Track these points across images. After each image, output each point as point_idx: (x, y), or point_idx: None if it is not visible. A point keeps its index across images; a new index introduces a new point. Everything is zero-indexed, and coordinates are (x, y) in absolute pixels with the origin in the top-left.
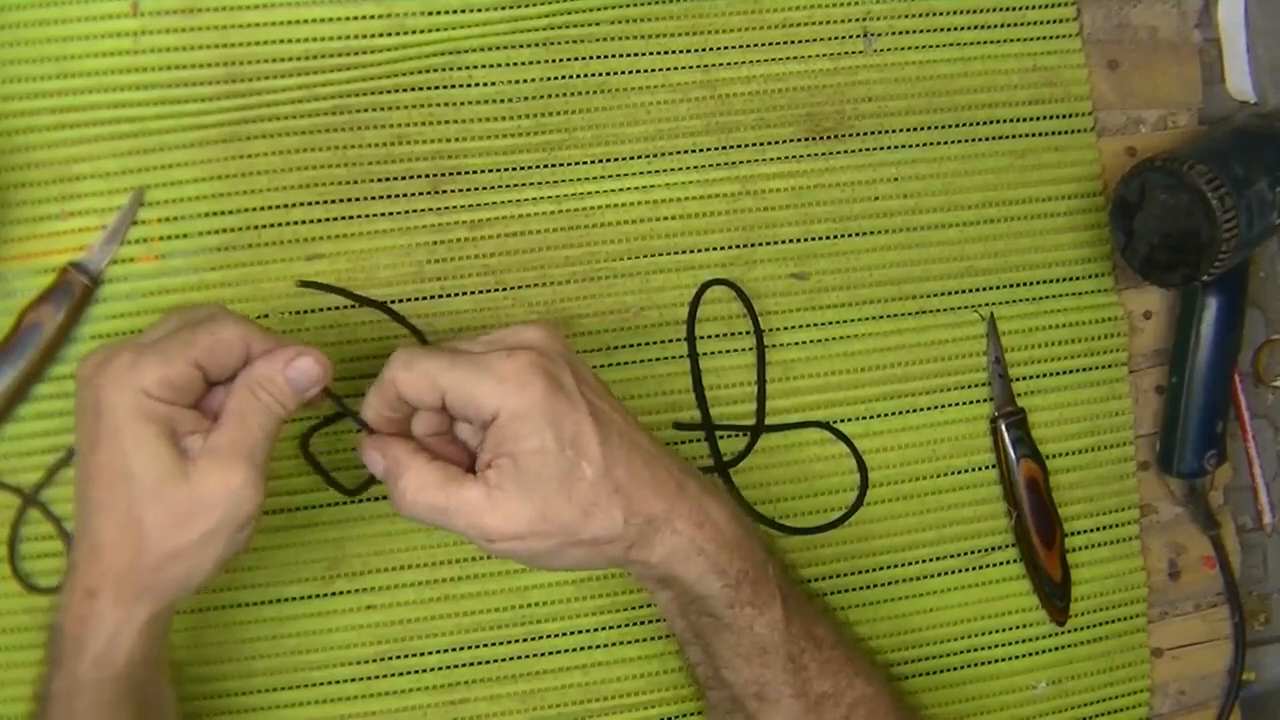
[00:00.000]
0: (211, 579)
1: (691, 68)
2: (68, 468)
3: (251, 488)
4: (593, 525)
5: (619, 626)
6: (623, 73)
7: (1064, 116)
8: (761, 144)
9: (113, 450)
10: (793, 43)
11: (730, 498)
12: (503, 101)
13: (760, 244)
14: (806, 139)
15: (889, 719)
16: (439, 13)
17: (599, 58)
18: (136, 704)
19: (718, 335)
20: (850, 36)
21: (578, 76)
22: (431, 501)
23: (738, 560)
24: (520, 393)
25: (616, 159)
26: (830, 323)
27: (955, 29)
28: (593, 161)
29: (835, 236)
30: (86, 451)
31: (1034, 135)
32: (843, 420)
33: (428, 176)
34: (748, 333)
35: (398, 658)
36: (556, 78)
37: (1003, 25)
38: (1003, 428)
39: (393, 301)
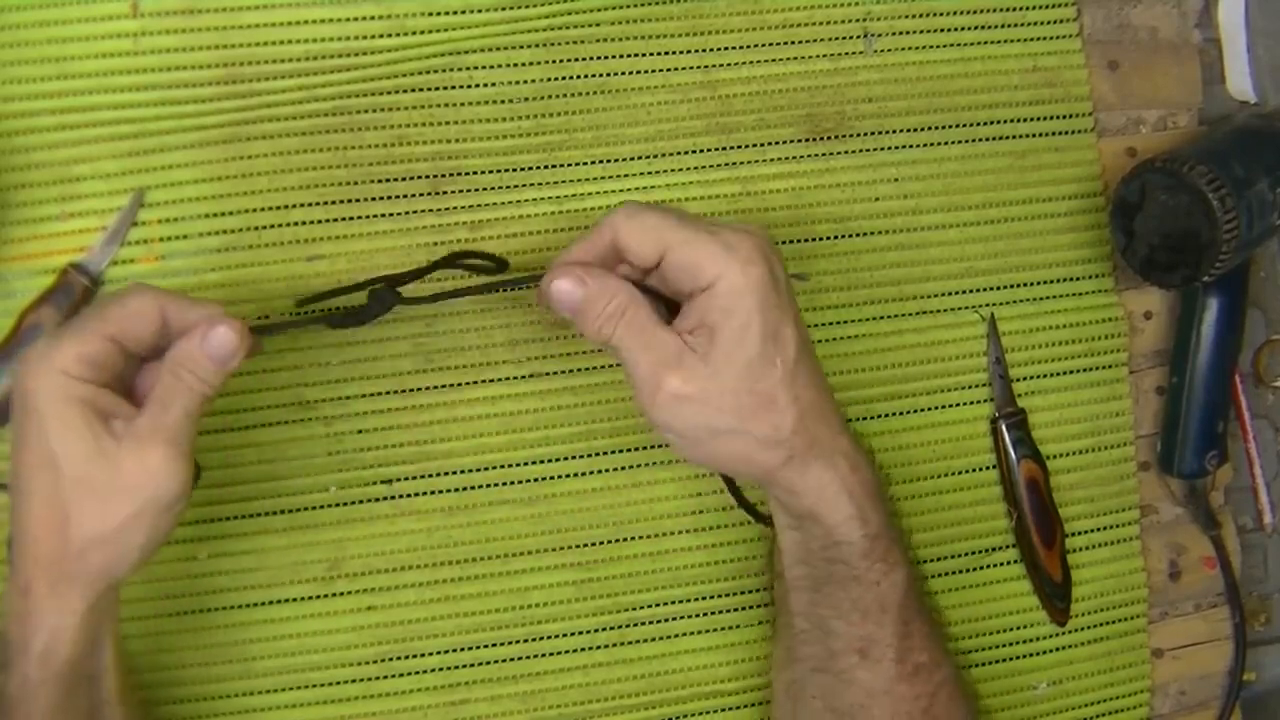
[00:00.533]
0: (139, 565)
1: (692, 68)
2: None
3: (172, 470)
4: (765, 419)
5: (619, 627)
6: (623, 73)
7: (1064, 117)
8: (762, 144)
9: (39, 436)
10: (793, 43)
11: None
12: (503, 102)
13: None
14: (807, 139)
15: (964, 705)
16: (439, 13)
17: (599, 58)
18: (89, 701)
19: None
20: (850, 37)
21: (578, 77)
22: (629, 330)
23: (878, 514)
24: (745, 269)
25: (617, 159)
26: (830, 323)
27: (955, 29)
28: (593, 162)
29: (835, 237)
30: (18, 446)
31: (1034, 135)
32: None
33: (428, 177)
34: None
35: (398, 658)
36: (557, 78)
37: (1003, 25)
38: (1003, 428)
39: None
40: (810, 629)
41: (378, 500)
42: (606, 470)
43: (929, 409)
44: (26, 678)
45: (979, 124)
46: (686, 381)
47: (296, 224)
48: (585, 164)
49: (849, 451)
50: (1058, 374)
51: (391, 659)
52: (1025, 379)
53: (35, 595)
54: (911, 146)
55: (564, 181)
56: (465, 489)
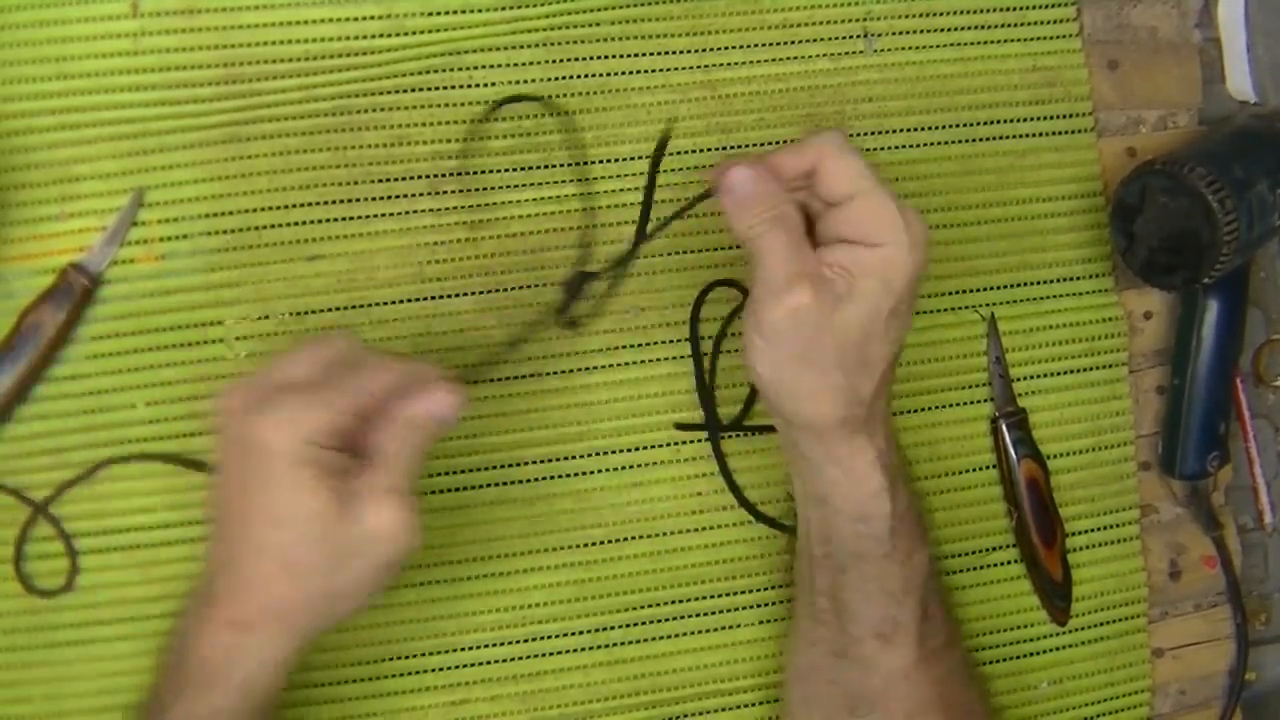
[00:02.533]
0: (360, 612)
1: (692, 68)
2: (78, 484)
3: (410, 526)
4: (854, 377)
5: (619, 627)
6: (623, 73)
7: (1064, 117)
8: (762, 144)
9: (274, 495)
10: (793, 43)
11: None
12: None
13: None
14: None
15: (975, 689)
16: (439, 13)
17: (599, 58)
18: None
19: (718, 335)
20: (850, 37)
21: (578, 77)
22: (782, 234)
23: (905, 492)
24: (913, 249)
25: (617, 159)
26: None
27: (955, 29)
28: (593, 162)
29: None
30: (239, 491)
31: (1034, 135)
32: None
33: (428, 177)
34: None
35: (398, 658)
36: (557, 78)
37: (1003, 25)
38: (1003, 428)
39: (391, 302)
40: (831, 610)
41: None
42: (606, 470)
43: (929, 408)
44: (212, 705)
45: (979, 124)
46: (815, 301)
47: (296, 224)
48: (585, 164)
49: (889, 433)
50: (1058, 374)
51: (391, 659)
52: (1025, 379)
53: (258, 634)
54: (911, 146)
55: (564, 181)
56: (465, 489)
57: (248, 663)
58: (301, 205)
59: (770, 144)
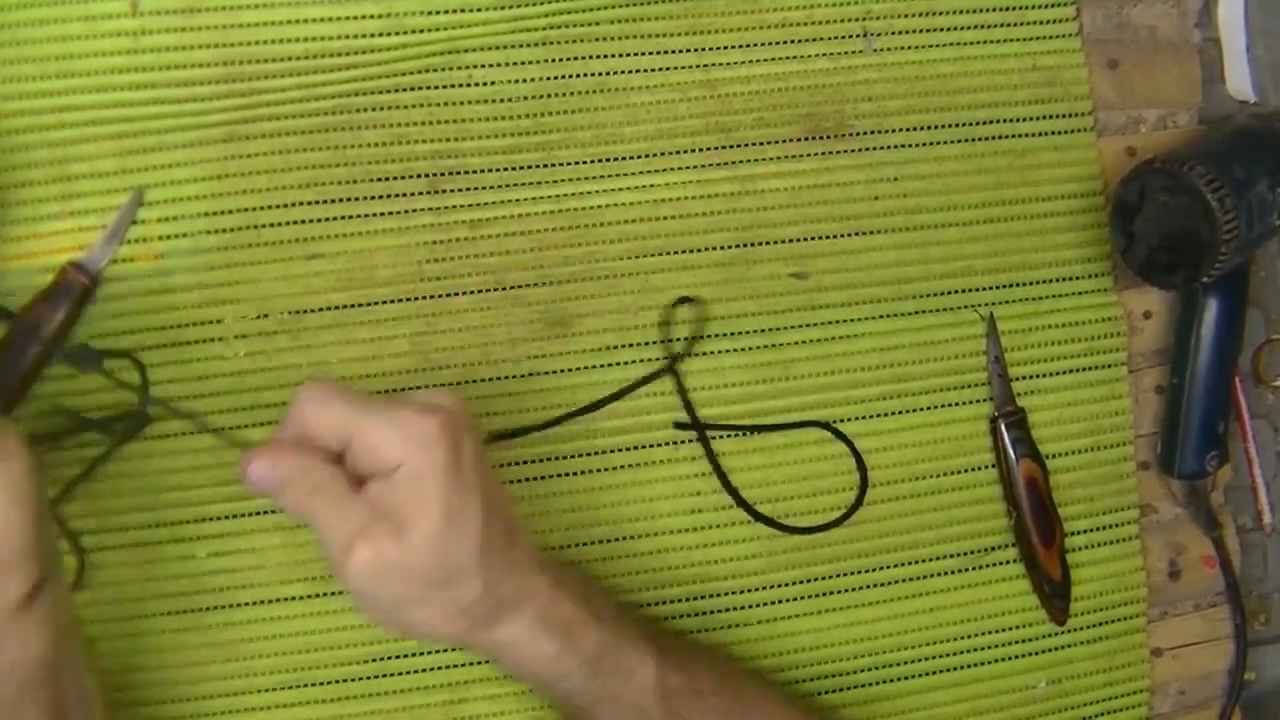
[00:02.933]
0: None
1: (691, 67)
2: (85, 483)
3: None
4: (449, 591)
5: None
6: (622, 72)
7: (1064, 116)
8: (761, 144)
9: (483, 466)
10: (792, 42)
11: (579, 573)
12: (502, 101)
13: (760, 244)
14: (806, 139)
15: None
16: (439, 12)
17: (599, 57)
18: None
19: (716, 335)
20: (850, 36)
21: (577, 76)
22: (325, 502)
23: (593, 633)
24: (425, 450)
25: (616, 159)
26: (830, 322)
27: (955, 29)
28: (592, 161)
29: (835, 236)
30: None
31: (1034, 135)
32: (843, 420)
33: (427, 176)
34: (747, 332)
35: (397, 657)
36: (556, 77)
37: (1003, 25)
38: (1002, 427)
39: (392, 302)
40: None
41: None
42: (606, 470)
43: (928, 408)
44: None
45: (979, 123)
46: (377, 553)
47: (296, 223)
48: (584, 163)
49: (542, 589)
50: (1057, 373)
51: (390, 658)
52: (1024, 378)
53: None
54: (911, 146)
55: (563, 181)
56: None
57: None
58: (301, 204)
59: (769, 143)
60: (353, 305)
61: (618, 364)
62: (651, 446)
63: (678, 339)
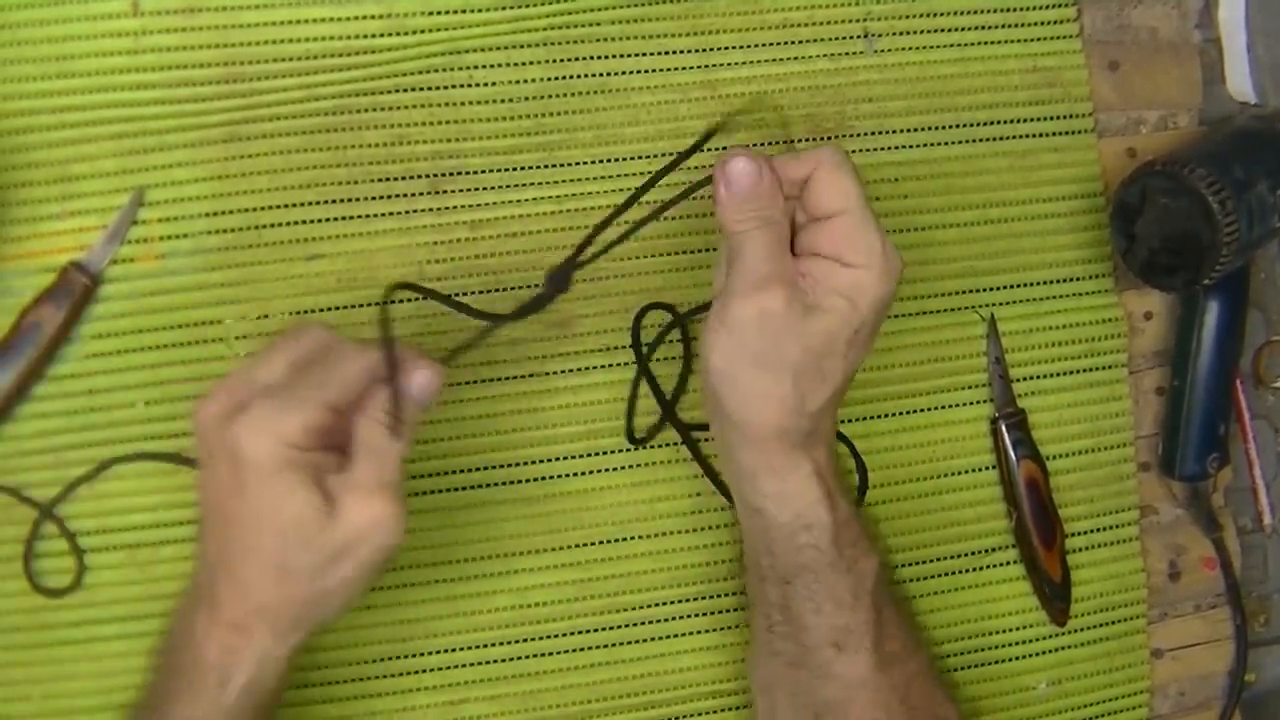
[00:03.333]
0: (353, 607)
1: (692, 68)
2: (84, 483)
3: (397, 518)
4: (804, 388)
5: (619, 627)
6: (623, 73)
7: (1064, 117)
8: (761, 144)
9: (258, 500)
10: (793, 43)
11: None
12: (503, 101)
13: None
14: (806, 139)
15: (939, 692)
16: (439, 12)
17: (599, 58)
18: None
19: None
20: (850, 37)
21: (578, 76)
22: (767, 236)
23: (846, 501)
24: (883, 278)
25: (617, 159)
26: None
27: (955, 29)
28: (593, 161)
29: None
30: (225, 496)
31: (1034, 136)
32: (843, 421)
33: (428, 176)
34: None
35: (397, 658)
36: (557, 78)
37: (1003, 26)
38: (1003, 428)
39: (392, 302)
40: (784, 622)
41: None
42: (606, 470)
43: (929, 409)
44: (219, 705)
45: (979, 124)
46: (786, 305)
47: (296, 223)
48: (585, 163)
49: (830, 453)
50: (1058, 374)
51: (390, 658)
52: (1025, 379)
53: (256, 634)
54: (911, 146)
55: (564, 181)
56: (465, 489)
57: (246, 664)
58: (302, 204)
59: (770, 143)
60: (353, 305)
61: (618, 364)
62: (652, 447)
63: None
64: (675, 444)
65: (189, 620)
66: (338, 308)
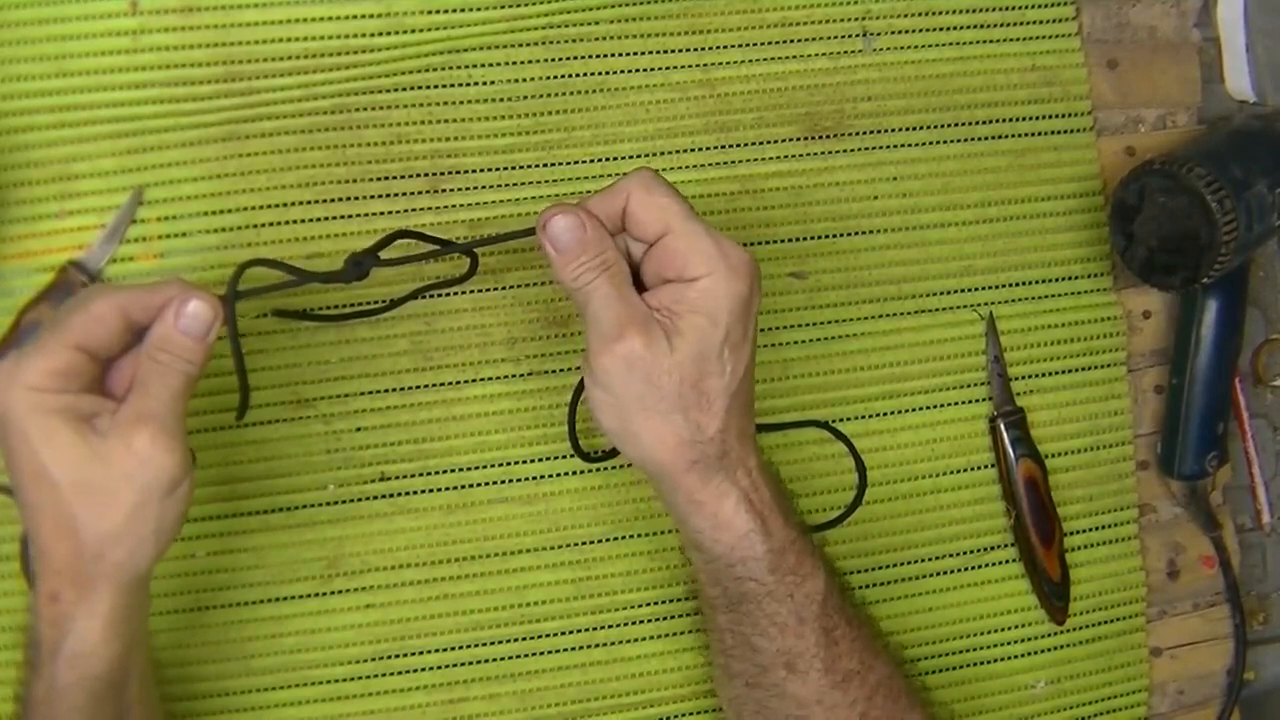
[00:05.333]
0: (159, 554)
1: (690, 67)
2: None
3: (162, 451)
4: (695, 415)
5: (618, 626)
6: (622, 72)
7: (1063, 116)
8: (760, 143)
9: (25, 452)
10: (792, 42)
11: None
12: (502, 101)
13: (759, 243)
14: (805, 138)
15: (904, 701)
16: (438, 12)
17: (598, 57)
18: (116, 705)
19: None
20: (849, 36)
21: (577, 76)
22: (609, 283)
23: (782, 527)
24: (730, 279)
25: (616, 158)
26: (829, 322)
27: (955, 29)
28: (592, 161)
29: (834, 236)
30: (10, 463)
31: (1033, 135)
32: (841, 420)
33: (426, 175)
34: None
35: (396, 656)
36: (556, 77)
37: (1002, 25)
38: (1002, 427)
39: (392, 302)
40: (736, 645)
41: (376, 499)
42: (606, 469)
43: (927, 408)
44: (54, 680)
45: (978, 123)
46: (646, 346)
47: (295, 222)
48: (584, 162)
49: (753, 468)
50: (1056, 373)
51: (390, 657)
52: (1024, 378)
53: (63, 600)
54: (910, 145)
55: (563, 180)
56: (464, 487)
57: (69, 632)
58: (300, 204)
59: (769, 142)
60: (353, 306)
61: None
62: None
63: None
64: None
65: (33, 599)
66: (336, 306)
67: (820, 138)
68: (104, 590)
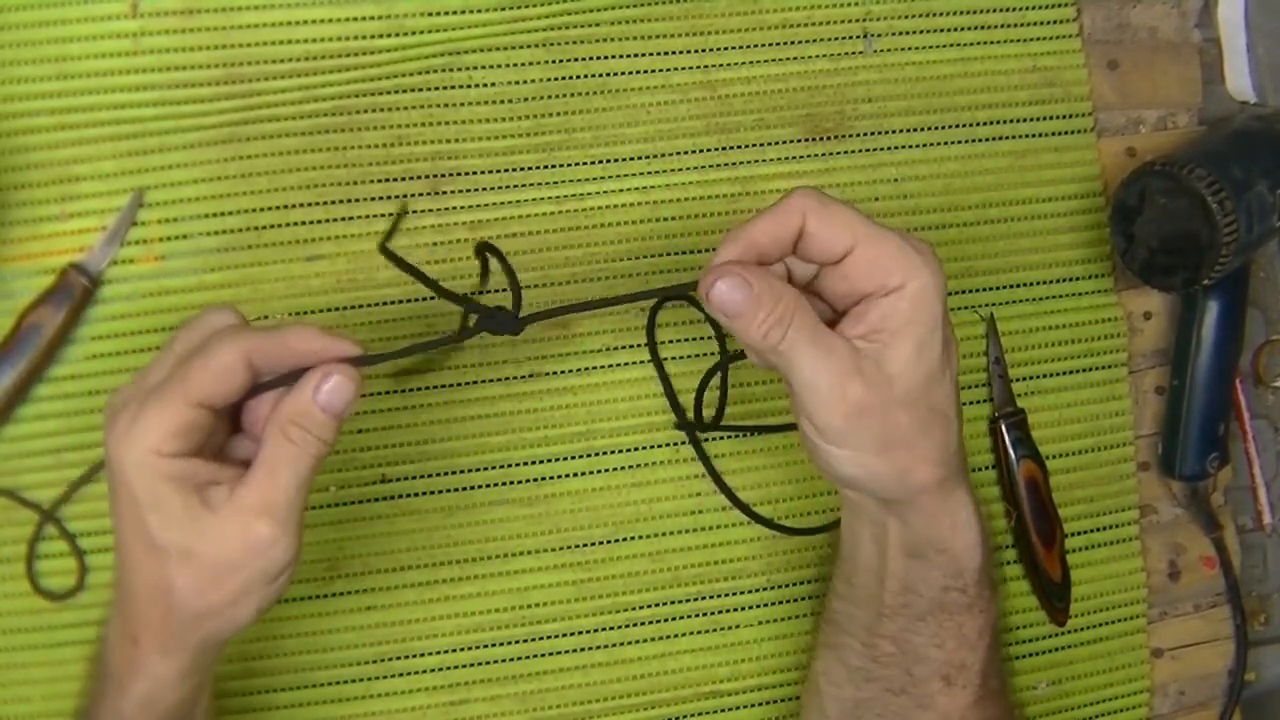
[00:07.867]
0: (250, 625)
1: (691, 68)
2: (87, 484)
3: (278, 543)
4: (937, 435)
5: (619, 627)
6: (623, 73)
7: (1064, 117)
8: (761, 144)
9: (133, 515)
10: (792, 43)
11: None
12: (503, 102)
13: None
14: (806, 139)
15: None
16: (439, 13)
17: (599, 58)
18: None
19: (714, 335)
20: (850, 37)
21: (578, 77)
22: (801, 335)
23: (989, 542)
24: (934, 274)
25: (616, 159)
26: None
27: (955, 29)
28: (593, 162)
29: None
30: (116, 516)
31: (1034, 136)
32: None
33: (428, 177)
34: None
35: (397, 658)
36: (556, 78)
37: (1003, 25)
38: (1002, 428)
39: (391, 302)
40: (896, 653)
41: (377, 500)
42: (606, 470)
43: None
44: (120, 713)
45: (978, 124)
46: (869, 390)
47: (296, 224)
48: (585, 164)
49: (967, 480)
50: (1057, 374)
51: (390, 659)
52: (1024, 379)
53: (143, 649)
54: (911, 146)
55: (564, 181)
56: (464, 488)
57: (143, 678)
58: (301, 205)
59: (769, 144)
60: (353, 306)
61: (618, 364)
62: (652, 448)
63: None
64: (675, 444)
65: (108, 626)
66: (337, 308)
67: (821, 139)
68: (188, 652)
